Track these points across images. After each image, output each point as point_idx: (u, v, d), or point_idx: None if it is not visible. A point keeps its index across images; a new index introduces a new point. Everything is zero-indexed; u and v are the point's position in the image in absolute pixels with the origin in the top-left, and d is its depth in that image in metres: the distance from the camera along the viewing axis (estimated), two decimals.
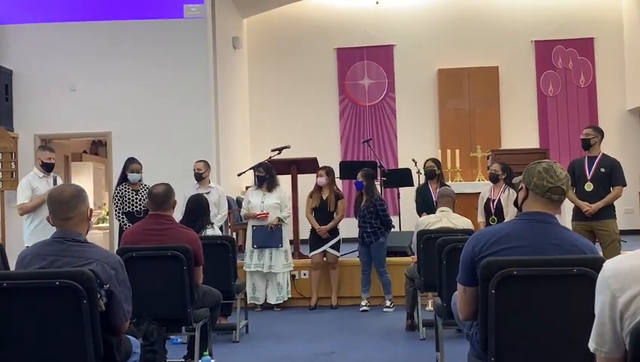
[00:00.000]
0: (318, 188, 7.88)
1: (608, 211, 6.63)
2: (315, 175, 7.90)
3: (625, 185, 6.79)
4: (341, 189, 8.43)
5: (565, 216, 7.02)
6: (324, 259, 7.84)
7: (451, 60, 12.88)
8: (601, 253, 5.44)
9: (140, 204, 7.17)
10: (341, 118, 13.20)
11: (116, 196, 7.27)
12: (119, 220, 7.22)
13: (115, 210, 7.31)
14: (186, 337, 5.29)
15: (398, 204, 9.99)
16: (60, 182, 6.87)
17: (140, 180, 7.31)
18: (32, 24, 10.24)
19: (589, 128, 6.96)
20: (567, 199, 6.19)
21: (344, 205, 7.92)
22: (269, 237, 7.54)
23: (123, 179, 7.35)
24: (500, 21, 12.98)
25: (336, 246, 7.83)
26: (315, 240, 7.82)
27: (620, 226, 6.82)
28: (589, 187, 6.63)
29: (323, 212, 7.78)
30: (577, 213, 6.72)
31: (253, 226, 7.64)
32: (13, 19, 10.26)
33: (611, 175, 6.66)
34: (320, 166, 8.06)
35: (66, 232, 3.04)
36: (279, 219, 7.54)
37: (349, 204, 8.41)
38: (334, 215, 7.77)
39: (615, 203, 6.72)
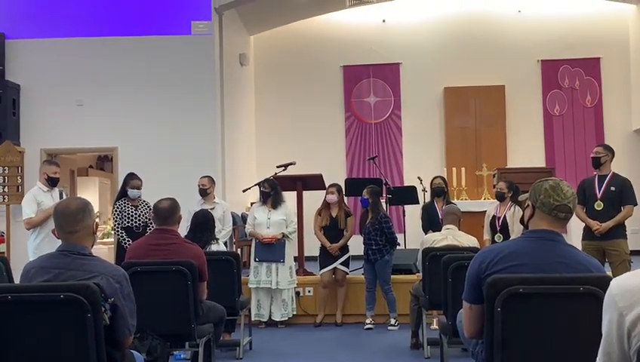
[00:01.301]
0: (327, 206, 7.84)
1: (619, 230, 6.53)
2: (325, 192, 7.87)
3: (636, 204, 6.68)
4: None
5: (572, 235, 6.97)
6: (333, 276, 7.81)
7: (457, 79, 12.90)
8: (610, 273, 5.43)
9: (139, 219, 7.14)
10: (347, 135, 13.22)
11: (115, 211, 7.24)
12: (118, 235, 7.19)
13: (114, 225, 7.30)
14: (190, 353, 5.26)
15: (404, 222, 9.98)
16: (66, 196, 6.88)
17: (139, 196, 7.29)
18: (39, 39, 10.32)
19: (599, 146, 6.87)
20: (577, 218, 6.15)
21: (353, 222, 7.90)
22: (271, 251, 7.49)
23: (122, 194, 7.33)
24: (507, 40, 13.01)
25: (345, 263, 7.80)
26: (325, 258, 7.77)
27: None
28: (599, 206, 6.52)
29: (334, 230, 7.74)
30: (587, 233, 6.60)
31: (256, 240, 7.62)
32: (21, 34, 10.34)
33: (622, 194, 6.55)
34: (325, 182, 8.04)
35: (71, 245, 3.04)
36: (283, 235, 7.52)
37: (355, 221, 8.38)
38: (344, 232, 7.76)
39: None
